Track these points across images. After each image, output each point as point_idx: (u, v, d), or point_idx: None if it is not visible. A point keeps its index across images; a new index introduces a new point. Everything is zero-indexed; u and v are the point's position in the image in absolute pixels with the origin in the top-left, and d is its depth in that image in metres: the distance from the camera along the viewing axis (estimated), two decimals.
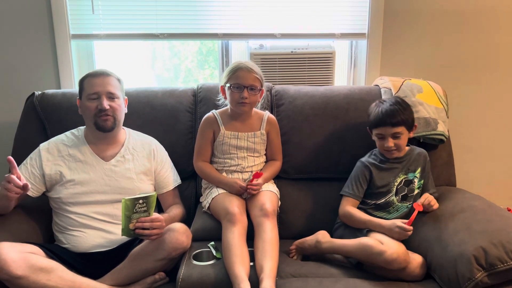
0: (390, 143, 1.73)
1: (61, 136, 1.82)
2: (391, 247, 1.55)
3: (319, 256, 1.73)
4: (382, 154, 1.81)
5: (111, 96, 1.74)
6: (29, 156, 1.77)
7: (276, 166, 1.95)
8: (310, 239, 1.75)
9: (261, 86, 1.84)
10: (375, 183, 1.78)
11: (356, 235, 1.69)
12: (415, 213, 1.66)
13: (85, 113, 1.76)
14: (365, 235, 1.67)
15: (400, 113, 1.72)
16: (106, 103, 1.71)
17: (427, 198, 1.73)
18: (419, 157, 1.82)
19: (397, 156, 1.78)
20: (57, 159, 1.75)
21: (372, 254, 1.56)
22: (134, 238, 1.64)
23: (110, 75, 1.77)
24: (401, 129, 1.72)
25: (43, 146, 1.78)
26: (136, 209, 1.52)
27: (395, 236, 1.61)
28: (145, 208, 1.54)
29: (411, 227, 1.61)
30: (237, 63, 1.84)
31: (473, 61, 2.44)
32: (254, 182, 1.79)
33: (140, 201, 1.52)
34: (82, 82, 1.77)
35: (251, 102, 1.82)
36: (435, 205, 1.73)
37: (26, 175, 1.72)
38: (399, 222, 1.62)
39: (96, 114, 1.72)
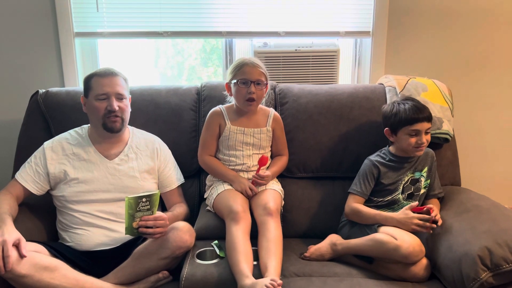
0: (424, 138, 1.74)
1: (65, 135, 1.82)
2: (405, 241, 1.55)
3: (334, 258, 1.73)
4: (392, 153, 1.81)
5: (120, 97, 1.74)
6: (33, 154, 1.77)
7: (283, 161, 1.96)
8: (324, 244, 1.73)
9: (266, 80, 1.85)
10: (382, 182, 1.78)
11: (366, 231, 1.68)
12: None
13: (93, 113, 1.75)
14: (376, 230, 1.66)
15: (428, 109, 1.76)
16: (115, 104, 1.71)
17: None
18: (426, 157, 1.82)
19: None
20: (61, 158, 1.75)
21: (388, 250, 1.56)
22: (137, 237, 1.65)
23: (118, 75, 1.76)
24: (430, 125, 1.76)
25: (47, 144, 1.78)
26: (139, 208, 1.52)
27: (410, 229, 1.61)
28: (149, 207, 1.54)
29: (433, 218, 1.62)
30: (241, 59, 1.84)
31: (478, 60, 2.42)
32: (261, 173, 1.80)
33: (144, 200, 1.52)
34: (89, 81, 1.76)
35: (258, 97, 1.82)
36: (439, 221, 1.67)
37: (31, 173, 1.72)
38: (411, 213, 1.63)
39: (105, 114, 1.72)
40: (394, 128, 1.79)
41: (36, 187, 1.73)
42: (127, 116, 1.79)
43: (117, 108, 1.71)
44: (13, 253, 1.39)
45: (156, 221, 1.54)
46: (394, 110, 1.79)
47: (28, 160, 1.76)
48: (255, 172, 1.86)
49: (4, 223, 1.49)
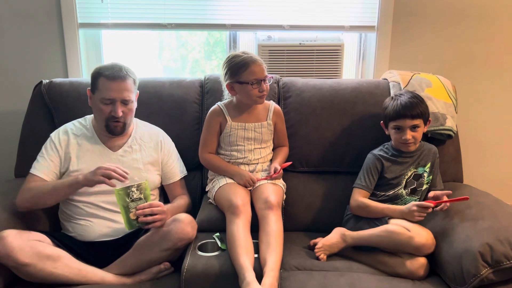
0: (408, 135, 1.73)
1: (69, 125, 1.82)
2: (418, 233, 1.56)
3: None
4: (394, 147, 1.81)
5: (125, 102, 1.71)
6: (43, 147, 1.75)
7: (285, 151, 1.98)
8: (334, 236, 1.72)
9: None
10: (385, 176, 1.78)
11: (375, 224, 1.68)
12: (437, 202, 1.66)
13: (97, 113, 1.74)
14: (386, 222, 1.66)
15: (419, 105, 1.74)
16: (120, 111, 1.69)
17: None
18: (429, 153, 1.82)
19: (413, 149, 1.78)
20: (66, 147, 1.75)
21: (400, 241, 1.56)
22: (140, 228, 1.65)
23: (127, 78, 1.71)
24: (419, 122, 1.74)
25: (54, 135, 1.78)
26: (131, 197, 1.53)
27: (414, 218, 1.62)
28: (141, 196, 1.54)
29: (430, 204, 1.62)
30: (242, 57, 1.79)
31: (483, 56, 2.41)
32: (280, 172, 1.83)
33: (133, 189, 1.53)
34: (96, 79, 1.71)
35: (266, 92, 1.82)
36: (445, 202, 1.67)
37: (46, 165, 1.70)
38: (415, 205, 1.63)
39: (108, 118, 1.71)
40: (385, 121, 1.82)
41: (55, 179, 1.72)
42: (131, 118, 1.78)
43: (121, 114, 1.69)
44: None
45: (152, 208, 1.54)
46: (386, 103, 1.81)
47: (40, 154, 1.74)
48: (257, 165, 1.87)
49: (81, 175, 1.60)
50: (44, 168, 1.71)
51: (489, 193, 1.80)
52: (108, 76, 1.68)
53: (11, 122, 2.27)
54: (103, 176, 1.54)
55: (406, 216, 1.64)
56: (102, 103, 1.70)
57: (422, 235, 1.56)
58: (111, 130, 1.74)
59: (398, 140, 1.77)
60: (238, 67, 1.78)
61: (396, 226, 1.61)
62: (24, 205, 1.65)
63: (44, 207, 1.70)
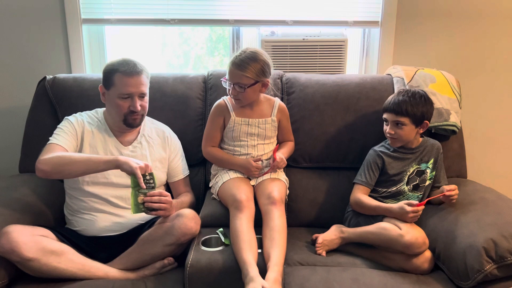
0: (391, 130, 1.76)
1: (83, 114, 1.82)
2: (409, 232, 1.56)
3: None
4: None
5: (142, 96, 1.74)
6: (59, 127, 1.74)
7: (291, 145, 1.97)
8: (333, 231, 1.73)
9: (255, 82, 1.77)
10: (387, 172, 1.78)
11: (371, 222, 1.69)
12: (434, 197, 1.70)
13: (114, 109, 1.74)
14: (381, 221, 1.67)
15: (408, 104, 1.72)
16: (138, 105, 1.71)
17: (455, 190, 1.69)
18: (432, 148, 1.82)
19: (398, 145, 1.79)
20: (82, 132, 1.75)
21: (391, 238, 1.57)
22: (144, 223, 1.66)
23: (142, 73, 1.73)
24: (404, 120, 1.73)
25: (70, 117, 1.79)
26: (144, 184, 1.54)
27: (406, 219, 1.62)
28: (153, 184, 1.57)
29: (419, 208, 1.62)
30: (234, 55, 1.79)
31: (487, 51, 2.39)
32: (278, 158, 1.80)
33: (147, 177, 1.56)
34: (111, 75, 1.71)
35: (243, 97, 1.80)
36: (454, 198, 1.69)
37: (66, 137, 1.70)
38: (405, 204, 1.63)
39: (127, 113, 1.72)
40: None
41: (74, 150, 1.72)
42: (147, 110, 1.80)
43: (139, 108, 1.72)
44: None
45: (161, 196, 1.56)
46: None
47: (56, 131, 1.73)
48: (259, 161, 1.86)
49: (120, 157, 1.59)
50: (65, 140, 1.70)
51: (493, 189, 1.80)
52: (124, 72, 1.69)
53: (15, 118, 2.28)
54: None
55: (399, 216, 1.64)
56: (120, 98, 1.71)
57: (412, 234, 1.56)
58: (130, 124, 1.75)
59: (384, 131, 1.80)
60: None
61: (387, 224, 1.62)
62: (44, 168, 1.58)
63: (62, 178, 1.67)
